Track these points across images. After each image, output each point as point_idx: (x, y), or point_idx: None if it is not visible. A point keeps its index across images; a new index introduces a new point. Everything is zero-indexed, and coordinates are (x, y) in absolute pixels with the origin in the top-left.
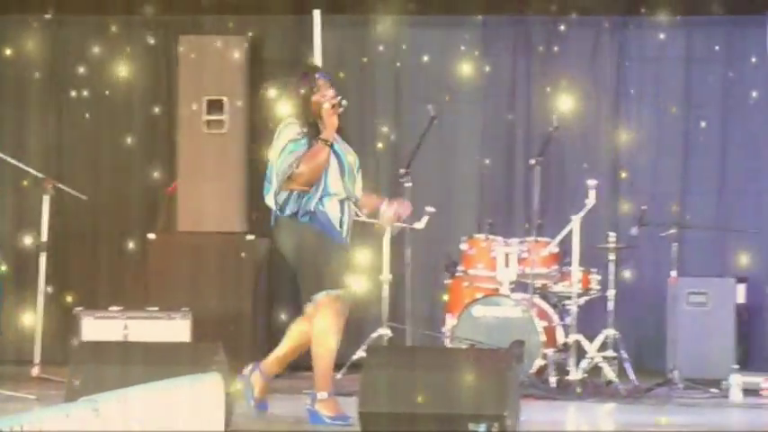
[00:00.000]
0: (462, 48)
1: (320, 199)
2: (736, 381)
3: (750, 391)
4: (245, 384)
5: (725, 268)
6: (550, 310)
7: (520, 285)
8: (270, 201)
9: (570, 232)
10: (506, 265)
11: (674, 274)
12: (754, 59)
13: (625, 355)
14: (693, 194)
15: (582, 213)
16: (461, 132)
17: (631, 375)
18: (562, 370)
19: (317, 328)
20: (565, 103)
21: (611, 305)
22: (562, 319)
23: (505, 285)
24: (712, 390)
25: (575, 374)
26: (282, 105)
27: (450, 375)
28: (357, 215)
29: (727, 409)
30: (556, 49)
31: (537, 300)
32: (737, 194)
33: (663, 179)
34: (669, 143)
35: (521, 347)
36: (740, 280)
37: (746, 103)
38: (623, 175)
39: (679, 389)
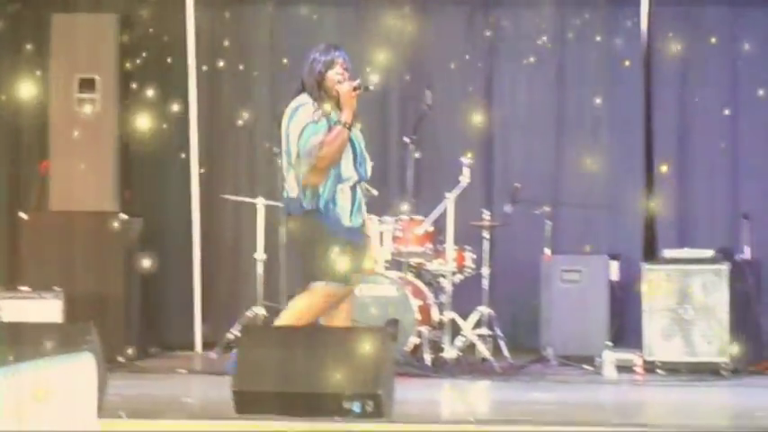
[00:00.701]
0: (338, 27)
1: (334, 194)
2: (610, 357)
3: (623, 368)
4: None
5: (598, 246)
6: (425, 289)
7: (394, 264)
8: (291, 188)
9: (445, 210)
10: (381, 243)
11: (547, 251)
12: (627, 38)
13: (499, 333)
14: (567, 172)
15: (456, 191)
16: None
17: (506, 353)
18: (437, 348)
19: (300, 304)
20: (437, 81)
21: (485, 283)
22: (437, 297)
23: (380, 264)
24: (586, 366)
25: (449, 352)
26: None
27: (325, 354)
28: (368, 192)
29: (601, 386)
30: (430, 26)
31: (411, 278)
32: (611, 172)
33: (536, 157)
34: (543, 121)
35: (395, 326)
36: (613, 257)
37: (620, 82)
38: (497, 153)
39: (553, 366)
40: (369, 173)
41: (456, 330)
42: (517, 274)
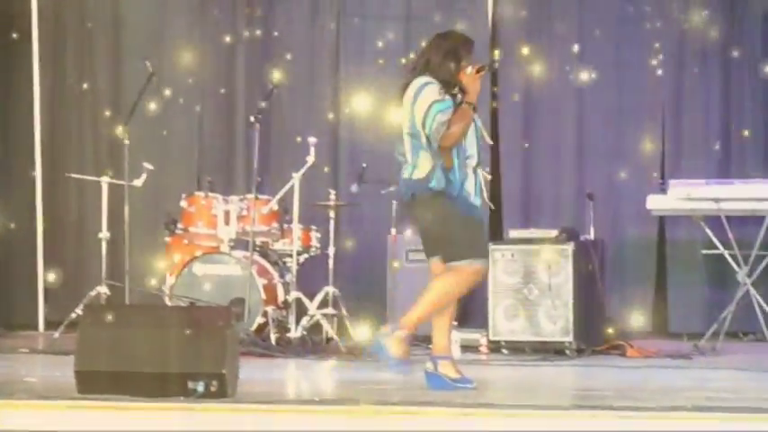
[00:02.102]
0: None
1: (460, 169)
2: (456, 337)
3: (468, 347)
4: (435, 376)
5: None
6: (271, 268)
7: (240, 243)
8: (421, 169)
9: (291, 190)
10: (226, 222)
11: (393, 231)
12: (472, 19)
13: (345, 313)
14: None
15: (302, 171)
16: (179, 88)
17: (352, 332)
18: (283, 327)
19: (443, 285)
20: (284, 61)
21: (331, 263)
22: (282, 276)
23: (225, 243)
24: (430, 346)
25: (295, 332)
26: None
27: (168, 333)
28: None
29: None
30: (277, 5)
31: (257, 257)
32: None
33: (383, 137)
34: (389, 101)
35: (241, 305)
36: None
37: None
38: (344, 132)
39: None
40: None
41: (302, 310)
42: (364, 253)
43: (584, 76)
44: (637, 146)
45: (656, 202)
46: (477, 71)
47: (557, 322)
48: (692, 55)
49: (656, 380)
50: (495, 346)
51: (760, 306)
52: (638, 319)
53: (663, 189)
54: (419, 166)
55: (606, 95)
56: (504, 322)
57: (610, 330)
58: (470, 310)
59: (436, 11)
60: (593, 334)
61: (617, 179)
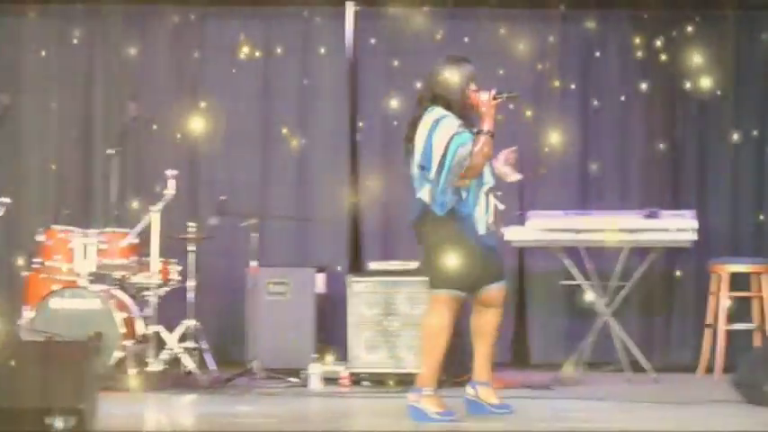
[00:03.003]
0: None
1: (477, 199)
2: (316, 370)
3: (329, 380)
4: (475, 402)
5: (305, 258)
6: (130, 302)
7: (99, 277)
8: (425, 195)
9: (149, 223)
10: (84, 256)
11: (254, 263)
12: (331, 50)
13: (205, 346)
14: (273, 185)
15: (161, 204)
16: (35, 122)
17: (212, 366)
18: (142, 362)
19: (431, 324)
20: (144, 91)
21: (191, 296)
22: (142, 310)
23: (84, 277)
24: (292, 379)
25: (154, 366)
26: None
27: (25, 368)
28: (497, 206)
29: (307, 398)
30: (136, 36)
31: (116, 291)
32: (315, 185)
33: (242, 170)
34: (249, 134)
35: (99, 340)
36: (319, 270)
37: (319, 95)
38: (203, 165)
39: (259, 379)
40: (493, 181)
41: (161, 344)
42: (224, 286)
43: None
44: (497, 178)
45: (514, 234)
46: (494, 97)
47: (417, 353)
48: (551, 90)
49: (516, 410)
50: (356, 379)
51: (618, 336)
52: (499, 350)
53: (521, 221)
54: (425, 195)
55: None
56: (365, 354)
57: (470, 361)
58: (331, 342)
59: (293, 43)
60: (454, 365)
61: None
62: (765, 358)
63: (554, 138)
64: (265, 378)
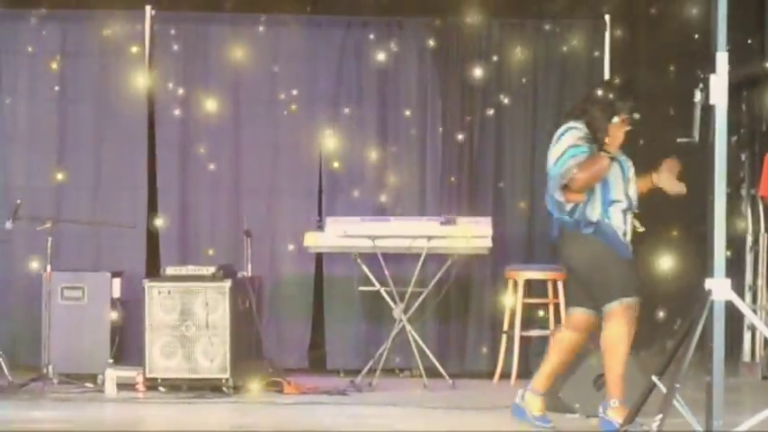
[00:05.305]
0: None
1: (605, 209)
2: (111, 375)
3: (124, 385)
4: (521, 408)
5: (101, 263)
6: None
7: None
8: (553, 209)
9: None
10: None
11: (48, 268)
12: (134, 50)
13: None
14: (70, 189)
15: None
16: None
17: (5, 371)
18: None
19: (610, 336)
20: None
21: None
22: None
23: None
24: (88, 384)
25: None
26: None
27: None
28: (636, 229)
29: (103, 404)
30: None
31: None
32: (113, 190)
33: (38, 173)
34: (45, 137)
35: None
36: (116, 274)
37: (120, 99)
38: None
39: (54, 384)
40: (636, 202)
41: None
42: (18, 290)
43: (244, 110)
44: (295, 183)
45: (313, 239)
46: (623, 121)
47: (214, 359)
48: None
49: (312, 416)
50: (151, 384)
51: (415, 342)
52: (295, 356)
53: (320, 226)
54: (553, 206)
55: (263, 132)
56: (161, 359)
57: (267, 367)
58: (126, 347)
59: (92, 46)
60: (250, 371)
61: (275, 216)
62: None
63: (353, 145)
64: (60, 383)
